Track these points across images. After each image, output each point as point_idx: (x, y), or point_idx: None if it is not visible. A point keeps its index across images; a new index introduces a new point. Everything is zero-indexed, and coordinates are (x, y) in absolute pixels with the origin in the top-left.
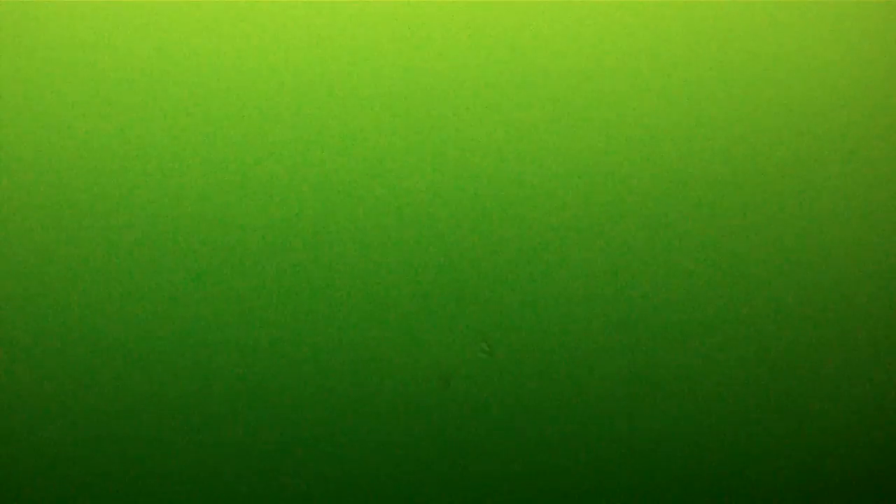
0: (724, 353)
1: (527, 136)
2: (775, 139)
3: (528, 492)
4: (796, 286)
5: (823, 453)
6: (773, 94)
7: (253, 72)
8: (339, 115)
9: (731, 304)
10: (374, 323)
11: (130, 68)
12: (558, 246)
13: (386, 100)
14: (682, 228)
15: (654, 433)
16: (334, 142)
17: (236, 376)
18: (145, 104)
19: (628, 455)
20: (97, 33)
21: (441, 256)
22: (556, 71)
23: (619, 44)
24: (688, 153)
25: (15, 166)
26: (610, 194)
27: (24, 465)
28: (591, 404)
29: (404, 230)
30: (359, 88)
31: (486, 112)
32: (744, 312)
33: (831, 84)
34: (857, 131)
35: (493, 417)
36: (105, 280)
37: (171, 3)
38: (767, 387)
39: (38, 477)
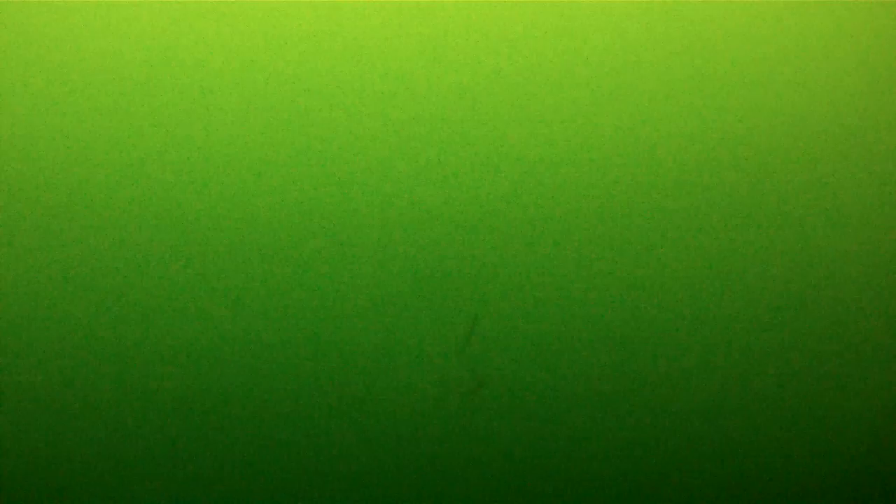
0: (724, 353)
1: (526, 136)
2: (778, 140)
3: (524, 489)
4: (798, 286)
5: (824, 452)
6: (774, 95)
7: (253, 73)
8: (339, 115)
9: (733, 303)
10: (373, 322)
11: (130, 69)
12: (558, 245)
13: (385, 100)
14: (683, 228)
15: (654, 431)
16: (334, 142)
17: (236, 375)
18: (144, 104)
19: (625, 453)
20: (96, 33)
21: (438, 255)
22: (554, 71)
23: (622, 45)
24: (690, 154)
25: (15, 166)
26: (609, 194)
27: (23, 465)
28: (589, 402)
29: (403, 230)
30: (357, 88)
31: (487, 113)
32: (748, 312)
33: (832, 85)
34: (859, 132)
35: (488, 418)
36: (105, 280)
37: (169, 3)
38: (767, 387)
39: (37, 476)
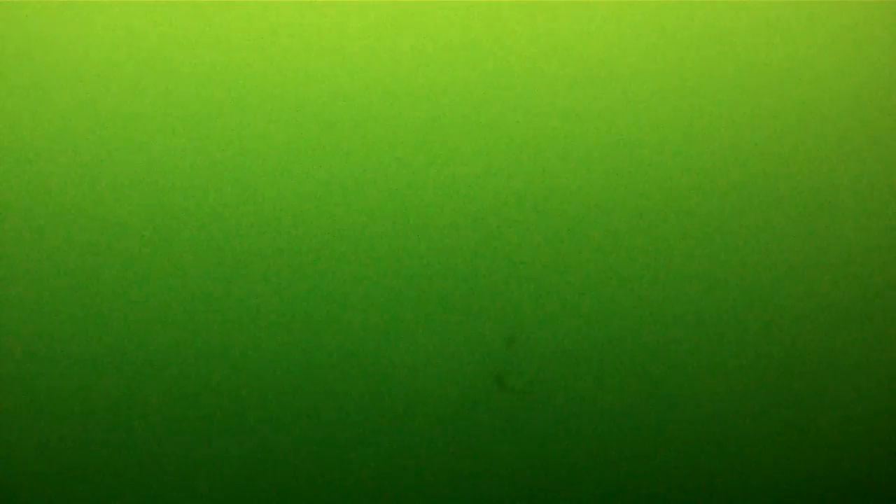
0: (745, 352)
1: (544, 141)
2: (782, 142)
3: (546, 487)
4: (801, 286)
5: (825, 452)
6: (775, 96)
7: (254, 75)
8: (351, 119)
9: (757, 304)
10: (394, 328)
11: (130, 69)
12: (577, 247)
13: (401, 104)
14: (701, 229)
15: (675, 432)
16: (345, 146)
17: (245, 379)
18: (144, 106)
19: (648, 453)
20: (95, 34)
21: (455, 258)
22: (571, 76)
23: (629, 48)
24: (708, 158)
25: (14, 167)
26: (628, 197)
27: (23, 466)
28: (610, 404)
29: (419, 234)
30: (373, 92)
31: (506, 116)
32: (769, 314)
33: (833, 85)
34: (860, 132)
35: (510, 423)
36: (105, 281)
37: (168, 4)
38: (776, 387)
39: (36, 478)
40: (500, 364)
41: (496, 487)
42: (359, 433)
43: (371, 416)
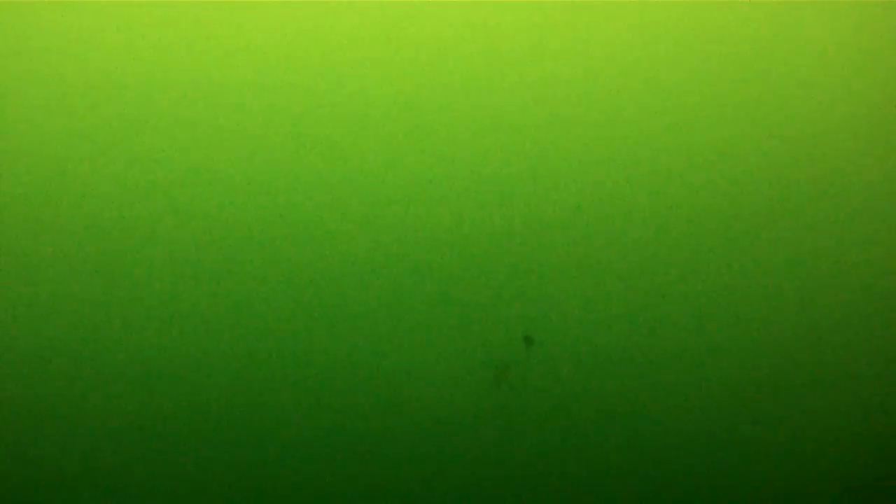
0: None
1: (552, 143)
2: (785, 144)
3: (547, 490)
4: (805, 287)
5: (825, 452)
6: (776, 97)
7: (254, 76)
8: (359, 121)
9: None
10: (398, 328)
11: (130, 69)
12: (588, 248)
13: (411, 107)
14: (731, 239)
15: (676, 434)
16: (354, 148)
17: (247, 381)
18: (143, 107)
19: (653, 455)
20: (95, 34)
21: (462, 259)
22: (576, 79)
23: (632, 50)
24: (727, 162)
25: (14, 167)
26: (633, 199)
27: (23, 467)
28: (619, 404)
29: (427, 236)
30: (379, 94)
31: (523, 119)
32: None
33: (834, 86)
34: (861, 133)
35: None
36: (106, 281)
37: (168, 5)
38: (777, 389)
39: (36, 479)
40: (502, 364)
41: (492, 481)
42: (363, 431)
43: (376, 415)
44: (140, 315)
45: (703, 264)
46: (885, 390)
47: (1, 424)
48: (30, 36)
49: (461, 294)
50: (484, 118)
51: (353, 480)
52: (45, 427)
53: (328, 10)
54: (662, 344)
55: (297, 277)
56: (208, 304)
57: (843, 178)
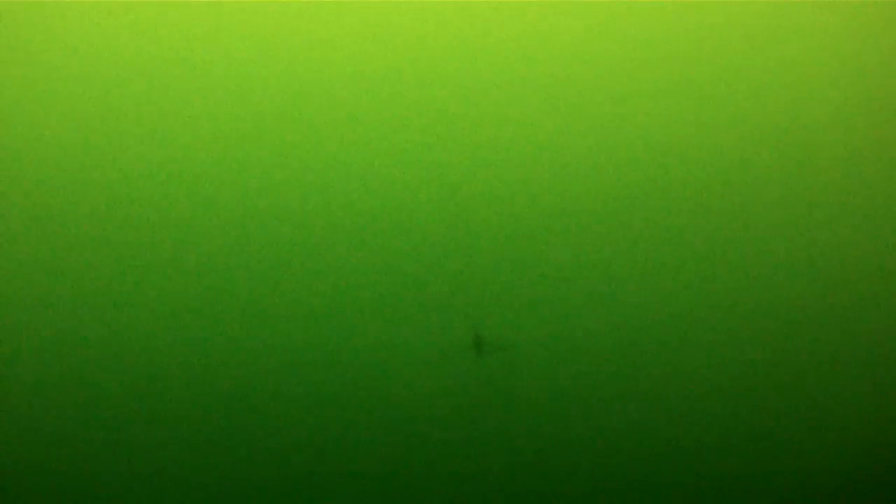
0: (725, 352)
1: (530, 137)
2: (782, 143)
3: (515, 489)
4: (801, 284)
5: (825, 451)
6: (776, 97)
7: (254, 74)
8: (340, 119)
9: (736, 303)
10: (371, 321)
11: (130, 69)
12: (555, 244)
13: (386, 101)
14: (684, 228)
15: (651, 430)
16: (336, 144)
17: (235, 375)
18: (144, 105)
19: (624, 452)
20: (95, 34)
21: (435, 254)
22: (559, 74)
23: (626, 48)
24: (697, 156)
25: (14, 165)
26: (609, 194)
27: (22, 463)
28: (586, 402)
29: (399, 230)
30: (357, 90)
31: (486, 114)
32: (752, 311)
33: (833, 86)
34: (860, 133)
35: (482, 414)
36: (105, 282)
37: (168, 5)
38: (768, 386)
39: (34, 474)
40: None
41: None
42: (353, 414)
43: (366, 390)
44: (140, 307)
45: (702, 261)
46: (885, 387)
47: (1, 421)
48: (31, 35)
49: (443, 279)
50: (471, 115)
51: (341, 455)
52: (45, 424)
53: (329, 9)
54: (649, 330)
55: (289, 269)
56: (197, 290)
57: (843, 177)
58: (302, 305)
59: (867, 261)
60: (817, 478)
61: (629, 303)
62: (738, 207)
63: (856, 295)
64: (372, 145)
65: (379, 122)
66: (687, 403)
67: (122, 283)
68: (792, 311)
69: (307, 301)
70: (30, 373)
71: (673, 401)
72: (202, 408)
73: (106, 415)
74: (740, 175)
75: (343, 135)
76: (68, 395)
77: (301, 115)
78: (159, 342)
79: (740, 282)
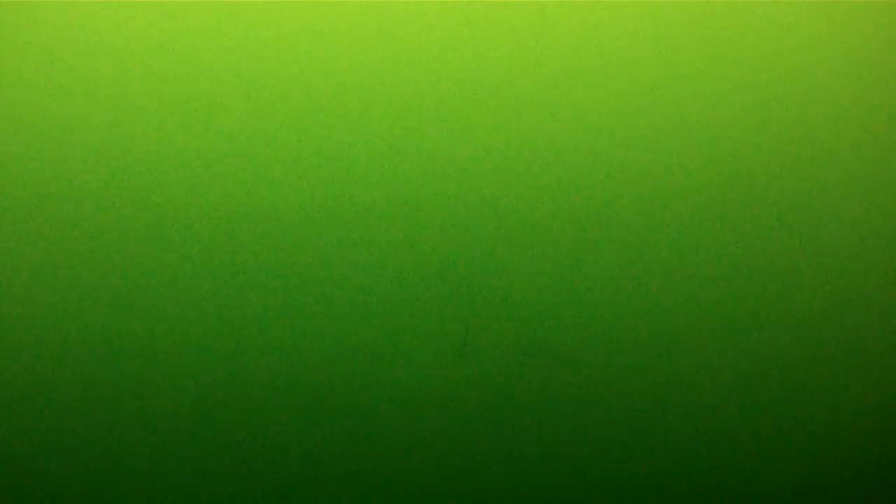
0: (724, 351)
1: (529, 137)
2: (781, 142)
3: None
4: (799, 283)
5: (825, 451)
6: (775, 97)
7: (254, 73)
8: (338, 116)
9: (734, 304)
10: (367, 318)
11: (131, 68)
12: (553, 244)
13: (386, 100)
14: (682, 229)
15: (651, 430)
16: (333, 142)
17: (232, 372)
18: (143, 102)
19: (624, 451)
20: (96, 34)
21: (430, 253)
22: (557, 72)
23: (626, 46)
24: (695, 155)
25: (14, 164)
26: (607, 194)
27: (21, 462)
28: (581, 400)
29: (398, 228)
30: (356, 87)
31: (484, 112)
32: (751, 312)
33: (833, 86)
34: (859, 132)
35: (474, 413)
36: (107, 277)
37: (169, 5)
38: (767, 386)
39: (31, 461)
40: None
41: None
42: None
43: (364, 377)
44: (138, 306)
45: (701, 258)
46: (884, 386)
47: (1, 415)
48: (31, 35)
49: (436, 277)
50: (468, 112)
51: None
52: (38, 422)
53: (328, 9)
54: (649, 324)
55: (289, 267)
56: (189, 290)
57: (842, 175)
58: (305, 303)
59: (875, 256)
60: (818, 477)
61: (630, 300)
62: (744, 203)
63: (858, 295)
64: (367, 143)
65: (374, 119)
66: (690, 405)
67: (121, 282)
68: (815, 311)
69: (310, 298)
70: (25, 370)
71: (675, 399)
72: (190, 407)
73: (106, 414)
74: (752, 166)
75: (338, 133)
76: (66, 394)
77: (292, 111)
78: (159, 339)
79: (741, 279)
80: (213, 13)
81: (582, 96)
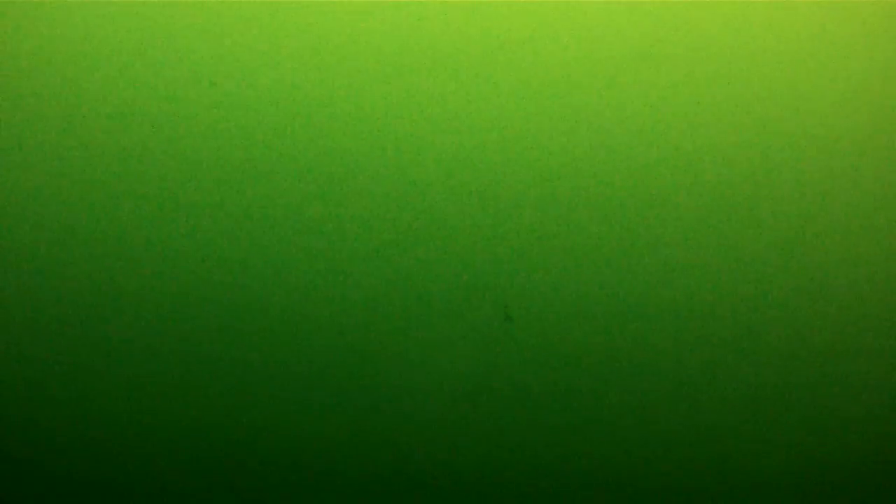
0: (729, 349)
1: (546, 132)
2: (780, 141)
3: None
4: (799, 283)
5: (825, 450)
6: (774, 96)
7: (254, 71)
8: (346, 108)
9: (742, 301)
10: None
11: (132, 67)
12: (575, 234)
13: (413, 98)
14: (703, 226)
15: (662, 427)
16: (359, 139)
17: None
18: (142, 105)
19: (637, 447)
20: (96, 33)
21: (465, 242)
22: (568, 71)
23: (628, 46)
24: (706, 151)
25: (15, 162)
26: (621, 190)
27: (20, 464)
28: (600, 391)
29: (433, 217)
30: (368, 87)
31: (509, 106)
32: (759, 312)
33: (832, 85)
34: (858, 132)
35: (504, 394)
36: (110, 275)
37: (170, 4)
38: (768, 385)
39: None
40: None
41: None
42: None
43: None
44: (139, 308)
45: (702, 256)
46: (884, 385)
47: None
48: (31, 35)
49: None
50: (500, 102)
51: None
52: (36, 421)
53: (330, 9)
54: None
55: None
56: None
57: (842, 174)
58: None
59: (873, 255)
60: (818, 477)
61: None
62: (758, 204)
63: (858, 295)
64: (399, 140)
65: (403, 115)
66: (714, 385)
67: (121, 280)
68: (815, 311)
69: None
70: (25, 369)
71: (703, 370)
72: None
73: (104, 414)
74: (756, 174)
75: (348, 128)
76: (64, 393)
77: (314, 108)
78: (158, 337)
79: (744, 277)
80: (214, 13)
81: (614, 87)
